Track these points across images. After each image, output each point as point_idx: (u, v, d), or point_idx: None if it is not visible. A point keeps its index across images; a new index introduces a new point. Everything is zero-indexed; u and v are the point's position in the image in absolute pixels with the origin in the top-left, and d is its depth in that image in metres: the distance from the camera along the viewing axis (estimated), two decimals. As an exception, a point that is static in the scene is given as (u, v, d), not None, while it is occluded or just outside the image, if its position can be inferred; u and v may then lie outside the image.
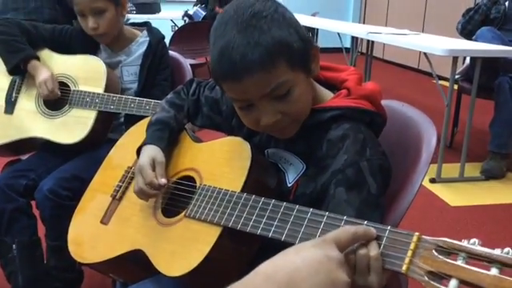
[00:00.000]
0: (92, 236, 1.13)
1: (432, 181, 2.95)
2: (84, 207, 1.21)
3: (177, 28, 4.86)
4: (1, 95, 1.71)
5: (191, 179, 1.03)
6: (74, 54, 1.68)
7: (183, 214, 0.97)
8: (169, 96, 1.21)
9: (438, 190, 2.87)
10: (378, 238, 0.69)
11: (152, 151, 1.07)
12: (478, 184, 3.00)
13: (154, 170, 1.04)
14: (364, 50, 4.71)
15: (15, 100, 1.70)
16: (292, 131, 0.93)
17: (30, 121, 1.66)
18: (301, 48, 0.85)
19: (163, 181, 1.02)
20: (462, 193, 2.88)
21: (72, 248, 1.13)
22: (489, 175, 3.03)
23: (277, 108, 0.87)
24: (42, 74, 1.60)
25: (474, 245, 0.62)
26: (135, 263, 1.03)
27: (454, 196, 2.81)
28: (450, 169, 3.06)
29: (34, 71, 1.62)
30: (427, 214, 2.59)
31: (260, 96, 0.85)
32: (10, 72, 1.67)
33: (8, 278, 1.61)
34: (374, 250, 0.68)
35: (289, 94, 0.86)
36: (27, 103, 1.68)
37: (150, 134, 1.10)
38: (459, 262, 0.62)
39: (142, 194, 1.04)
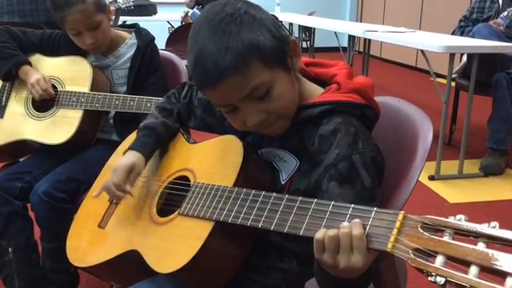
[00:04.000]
0: (89, 240, 1.14)
1: (431, 178, 2.94)
2: (83, 213, 1.22)
3: (173, 29, 4.86)
4: None
5: (186, 179, 1.03)
6: (62, 56, 1.68)
7: (177, 212, 0.97)
8: (160, 101, 1.23)
9: (437, 187, 2.86)
10: (363, 220, 0.70)
11: (134, 157, 1.09)
12: (477, 180, 2.99)
13: (128, 175, 1.06)
14: (361, 49, 4.71)
15: (5, 104, 1.71)
16: (282, 128, 0.93)
17: (19, 124, 1.66)
18: (274, 46, 0.85)
19: (128, 188, 1.06)
20: (461, 190, 2.87)
21: (70, 254, 1.14)
22: (488, 172, 3.03)
23: (259, 108, 0.87)
24: (34, 76, 1.60)
25: (460, 221, 0.61)
26: (131, 265, 1.02)
27: (453, 193, 2.80)
28: (449, 166, 3.05)
29: (25, 76, 1.63)
30: (426, 211, 2.58)
31: (240, 99, 0.85)
32: (3, 79, 1.67)
33: (4, 281, 1.60)
34: (357, 230, 0.69)
35: (269, 93, 0.86)
36: (17, 106, 1.69)
37: (137, 140, 1.13)
38: (445, 238, 0.61)
39: (107, 190, 1.07)
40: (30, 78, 1.60)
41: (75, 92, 1.60)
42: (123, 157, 1.10)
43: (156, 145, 1.12)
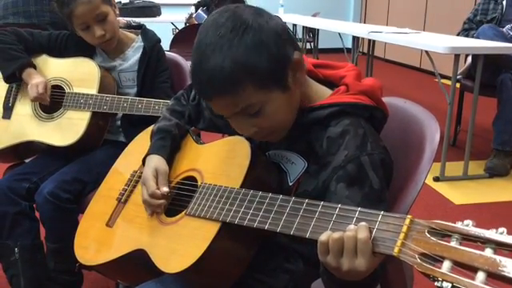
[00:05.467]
0: (97, 239, 1.14)
1: (436, 179, 2.94)
2: (91, 212, 1.23)
3: (177, 31, 4.87)
4: None
5: (193, 179, 1.04)
6: (69, 57, 1.68)
7: (184, 212, 0.98)
8: (170, 103, 1.23)
9: (442, 188, 2.86)
10: (370, 224, 0.69)
11: (155, 161, 1.08)
12: (482, 182, 2.98)
13: (157, 180, 1.05)
14: (365, 50, 4.71)
15: (13, 105, 1.71)
16: (277, 138, 0.94)
17: (26, 125, 1.66)
18: (271, 69, 0.84)
19: (165, 189, 1.04)
20: (467, 191, 2.87)
21: (78, 252, 1.14)
22: (493, 173, 3.02)
23: (250, 123, 0.89)
24: (35, 79, 1.60)
25: (467, 226, 0.61)
26: (139, 265, 1.03)
27: (458, 194, 2.80)
28: (454, 167, 3.05)
29: (27, 78, 1.63)
30: (432, 212, 2.58)
31: (231, 114, 0.88)
32: (6, 80, 1.67)
33: (10, 281, 1.61)
34: (362, 233, 0.69)
35: (261, 111, 0.87)
36: (24, 108, 1.69)
37: (153, 144, 1.13)
38: (453, 244, 0.61)
39: (147, 205, 1.05)
40: (31, 80, 1.60)
41: (83, 94, 1.60)
42: (145, 167, 1.09)
43: (172, 146, 1.13)
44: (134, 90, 1.69)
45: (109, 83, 1.65)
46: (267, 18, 0.86)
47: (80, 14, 1.54)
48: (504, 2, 3.28)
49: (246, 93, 0.83)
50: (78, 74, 1.65)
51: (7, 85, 1.73)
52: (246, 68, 0.81)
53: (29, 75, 1.62)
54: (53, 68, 1.68)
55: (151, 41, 1.71)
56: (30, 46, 1.68)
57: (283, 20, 0.91)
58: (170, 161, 1.12)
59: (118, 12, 1.66)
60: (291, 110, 0.91)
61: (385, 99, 0.99)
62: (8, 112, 1.71)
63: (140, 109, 1.55)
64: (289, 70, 0.87)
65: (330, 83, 0.99)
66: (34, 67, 1.65)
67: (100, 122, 1.63)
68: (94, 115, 1.59)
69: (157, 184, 1.04)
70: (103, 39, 1.60)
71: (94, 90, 1.60)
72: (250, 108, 0.86)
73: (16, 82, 1.68)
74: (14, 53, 1.63)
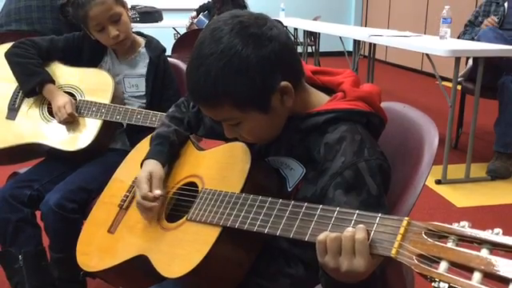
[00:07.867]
0: (99, 245, 1.15)
1: (438, 182, 2.93)
2: (93, 219, 1.24)
3: (179, 36, 4.89)
4: (4, 101, 1.73)
5: (194, 185, 1.05)
6: (83, 58, 1.71)
7: (185, 217, 0.99)
8: (170, 110, 1.25)
9: (443, 191, 2.86)
10: (368, 226, 0.71)
11: (151, 165, 1.10)
12: (484, 184, 2.98)
13: (151, 183, 1.07)
14: (366, 53, 4.71)
15: (18, 106, 1.72)
16: (265, 143, 0.99)
17: (32, 127, 1.67)
18: (250, 95, 0.86)
19: (157, 192, 1.05)
20: (469, 194, 2.86)
21: (80, 258, 1.16)
22: (495, 175, 3.01)
23: (233, 130, 0.93)
24: (60, 99, 1.61)
25: (463, 227, 0.62)
26: (140, 270, 1.04)
27: (460, 197, 2.79)
28: (456, 170, 3.05)
29: (50, 95, 1.64)
30: (434, 215, 2.57)
31: (216, 119, 0.94)
32: (26, 95, 1.69)
33: (15, 289, 1.61)
34: (360, 234, 0.70)
35: (240, 126, 0.91)
36: (31, 110, 1.70)
37: (151, 149, 1.14)
38: (449, 245, 0.61)
39: (139, 206, 1.07)
40: (56, 100, 1.61)
41: (96, 102, 1.62)
42: (141, 169, 1.11)
43: (170, 151, 1.14)
44: (137, 95, 1.71)
45: (119, 93, 1.68)
46: (266, 38, 0.85)
47: (95, 16, 1.57)
48: (506, 5, 3.29)
49: (223, 109, 0.88)
50: (92, 83, 1.67)
51: (14, 86, 1.73)
52: (225, 91, 0.85)
53: (50, 92, 1.64)
54: (66, 75, 1.70)
55: (156, 50, 1.73)
56: (52, 52, 1.70)
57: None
58: (169, 166, 1.14)
59: (130, 14, 1.68)
60: (273, 127, 0.95)
61: (384, 104, 0.99)
62: (13, 113, 1.71)
63: (154, 122, 1.57)
64: (272, 96, 0.88)
65: (329, 90, 1.00)
66: (54, 82, 1.66)
67: (108, 131, 1.65)
68: (105, 123, 1.61)
69: (151, 187, 1.06)
70: (117, 39, 1.62)
71: (106, 101, 1.62)
72: (229, 120, 0.92)
73: (35, 96, 1.69)
74: (34, 68, 1.65)
